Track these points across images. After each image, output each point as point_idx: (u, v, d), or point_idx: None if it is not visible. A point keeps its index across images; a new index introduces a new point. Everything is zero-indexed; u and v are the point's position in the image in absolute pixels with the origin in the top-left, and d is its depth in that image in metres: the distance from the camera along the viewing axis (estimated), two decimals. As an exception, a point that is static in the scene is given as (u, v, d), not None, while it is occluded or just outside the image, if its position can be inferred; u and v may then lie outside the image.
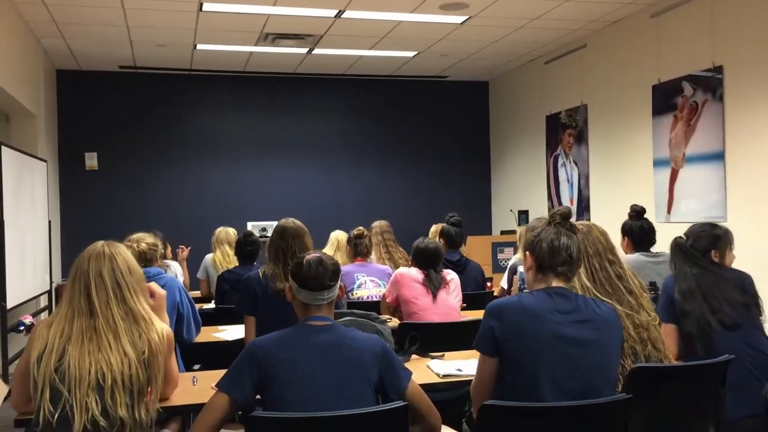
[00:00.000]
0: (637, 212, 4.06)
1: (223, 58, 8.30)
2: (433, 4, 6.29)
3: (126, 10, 6.31)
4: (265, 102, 9.34)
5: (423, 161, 9.78)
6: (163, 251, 4.30)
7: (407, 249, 4.71)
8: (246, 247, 4.92)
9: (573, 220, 2.33)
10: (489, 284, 5.66)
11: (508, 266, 5.12)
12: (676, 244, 3.10)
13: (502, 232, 8.97)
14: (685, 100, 6.14)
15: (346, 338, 2.20)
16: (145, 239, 3.64)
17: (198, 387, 2.78)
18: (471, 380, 2.36)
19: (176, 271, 5.84)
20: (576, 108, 7.83)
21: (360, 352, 2.16)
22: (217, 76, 9.09)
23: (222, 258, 5.70)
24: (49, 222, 7.07)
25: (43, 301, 7.00)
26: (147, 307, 2.37)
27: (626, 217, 4.09)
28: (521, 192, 9.19)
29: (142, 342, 2.26)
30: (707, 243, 3.06)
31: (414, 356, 3.23)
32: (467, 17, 6.73)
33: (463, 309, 4.23)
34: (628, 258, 3.82)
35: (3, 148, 5.31)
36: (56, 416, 2.14)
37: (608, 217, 6.68)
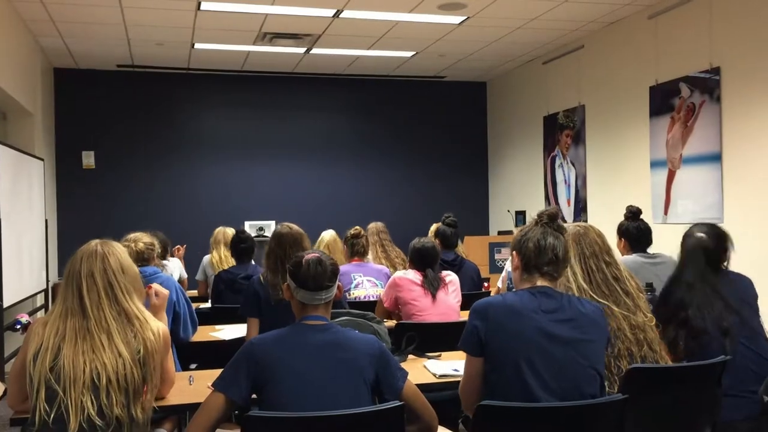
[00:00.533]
0: (633, 213, 4.05)
1: (220, 58, 8.30)
2: (431, 4, 6.29)
3: (124, 8, 6.30)
4: (262, 101, 9.33)
5: (420, 161, 9.78)
6: (160, 251, 4.29)
7: (404, 249, 4.71)
8: (240, 244, 4.91)
9: (570, 221, 2.33)
10: (486, 284, 5.65)
11: (506, 266, 5.12)
12: (702, 246, 2.94)
13: (500, 233, 8.97)
14: (682, 101, 6.15)
15: (343, 338, 2.20)
16: (143, 239, 3.64)
17: (194, 386, 2.77)
18: (466, 380, 2.36)
19: (176, 267, 5.85)
20: (573, 109, 7.84)
21: (356, 352, 2.16)
22: (214, 76, 9.09)
23: (220, 259, 5.69)
24: (46, 220, 7.06)
25: (40, 300, 6.98)
26: (141, 307, 2.36)
27: (623, 218, 4.09)
28: (518, 192, 9.20)
29: (137, 341, 2.25)
30: (725, 244, 2.99)
31: (411, 356, 3.23)
32: (465, 17, 6.74)
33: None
34: (624, 259, 3.83)
35: (0, 146, 5.30)
36: (52, 416, 2.13)
37: (605, 217, 6.68)
